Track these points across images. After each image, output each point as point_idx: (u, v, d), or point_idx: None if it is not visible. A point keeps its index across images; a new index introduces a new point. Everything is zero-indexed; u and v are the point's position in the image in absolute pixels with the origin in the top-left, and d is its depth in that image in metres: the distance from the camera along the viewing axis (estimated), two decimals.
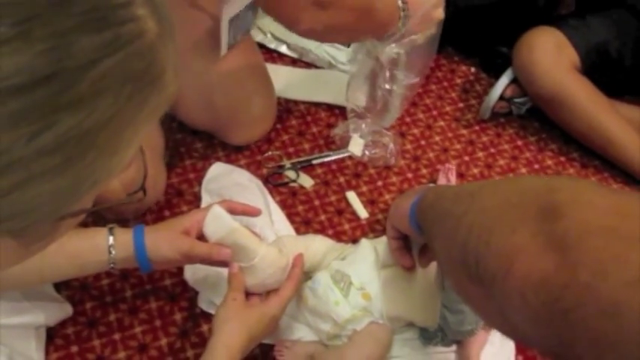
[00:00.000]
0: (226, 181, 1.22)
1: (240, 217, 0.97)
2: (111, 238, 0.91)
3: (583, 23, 1.31)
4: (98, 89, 0.34)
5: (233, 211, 0.95)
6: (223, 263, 0.94)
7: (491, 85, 1.44)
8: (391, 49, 1.19)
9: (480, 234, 0.50)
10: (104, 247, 0.91)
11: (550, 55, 1.25)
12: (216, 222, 0.92)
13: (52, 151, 0.34)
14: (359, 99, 1.35)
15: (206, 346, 0.85)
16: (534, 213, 0.46)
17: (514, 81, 1.33)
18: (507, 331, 0.52)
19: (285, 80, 1.40)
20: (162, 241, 0.92)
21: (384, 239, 0.99)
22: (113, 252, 0.91)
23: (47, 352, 1.00)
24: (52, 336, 1.03)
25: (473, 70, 1.51)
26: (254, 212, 0.99)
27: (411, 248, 0.94)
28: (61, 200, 0.37)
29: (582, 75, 1.28)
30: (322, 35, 1.11)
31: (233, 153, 1.29)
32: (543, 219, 0.45)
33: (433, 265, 0.98)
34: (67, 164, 0.35)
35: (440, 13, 1.14)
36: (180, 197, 1.22)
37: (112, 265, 0.92)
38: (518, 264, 0.45)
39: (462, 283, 0.55)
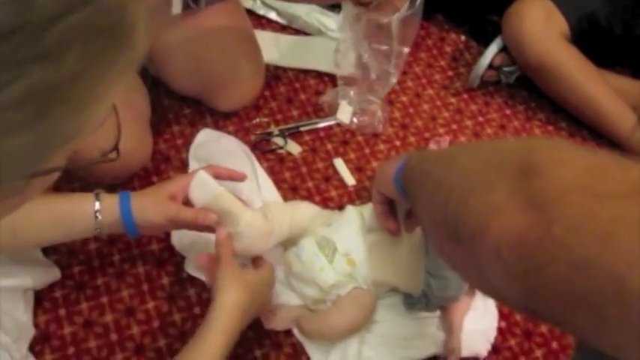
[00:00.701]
0: (214, 147, 1.22)
1: (227, 183, 0.98)
2: (97, 204, 0.91)
3: None
4: (65, 43, 0.34)
5: (218, 176, 0.95)
6: (209, 228, 0.95)
7: (481, 53, 1.43)
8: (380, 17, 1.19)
9: (459, 194, 0.51)
10: (90, 212, 0.91)
11: (539, 24, 1.25)
12: (202, 187, 0.92)
13: (20, 104, 0.34)
14: (348, 66, 1.34)
15: (208, 310, 0.85)
16: (513, 172, 0.46)
17: (503, 49, 1.33)
18: (485, 289, 0.53)
19: (273, 47, 1.40)
20: (149, 206, 0.92)
21: (370, 205, 1.00)
22: (99, 217, 0.91)
23: (35, 315, 1.02)
24: (41, 299, 1.04)
25: (463, 38, 1.50)
26: (239, 177, 0.99)
27: (396, 213, 0.95)
28: (31, 156, 0.37)
29: (572, 44, 1.28)
30: None
31: (221, 119, 1.29)
32: (521, 178, 0.45)
33: (418, 232, 0.99)
34: (35, 118, 0.35)
35: None
36: (167, 163, 1.22)
37: (98, 230, 0.92)
38: (495, 222, 0.45)
39: (442, 243, 0.56)
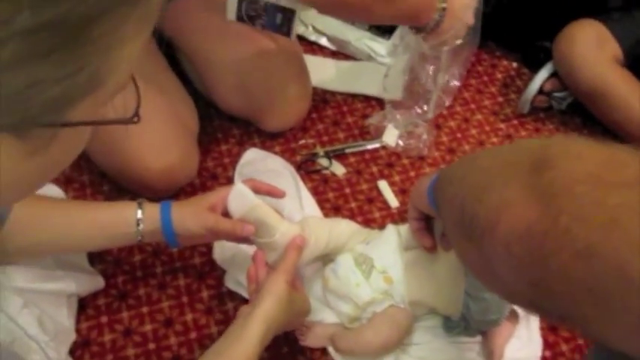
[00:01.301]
0: (260, 166, 1.24)
1: (269, 200, 0.99)
2: (139, 212, 0.94)
3: (628, 16, 1.27)
4: None
5: (258, 190, 0.97)
6: (247, 240, 0.96)
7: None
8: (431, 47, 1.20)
9: (475, 192, 0.50)
10: (133, 220, 0.94)
11: (591, 48, 1.23)
12: (239, 199, 0.94)
13: (49, 28, 0.35)
14: (396, 90, 1.36)
15: (243, 312, 0.85)
16: (527, 168, 0.46)
17: (554, 75, 1.31)
18: (496, 288, 0.51)
19: (323, 71, 1.42)
20: (188, 215, 0.94)
21: (408, 224, 0.99)
22: (141, 225, 0.94)
23: (78, 321, 1.04)
24: (85, 306, 1.07)
25: (514, 65, 1.48)
26: (278, 194, 1.00)
27: (432, 230, 0.93)
28: (58, 94, 0.38)
29: (625, 69, 1.25)
30: (335, 9, 1.09)
31: (268, 140, 1.31)
32: (534, 172, 0.44)
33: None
34: (64, 46, 0.36)
35: (470, 18, 1.14)
36: (214, 180, 1.25)
37: (139, 238, 0.95)
38: (506, 216, 0.44)
39: (460, 244, 0.55)
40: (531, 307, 0.46)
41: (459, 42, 1.17)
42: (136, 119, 0.49)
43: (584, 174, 0.41)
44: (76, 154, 0.49)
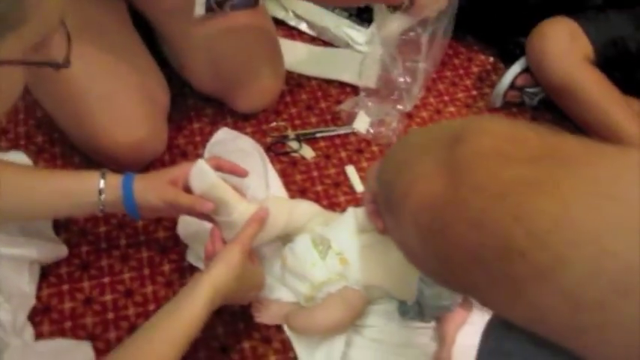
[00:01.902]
0: (230, 145, 1.25)
1: (234, 178, 1.00)
2: (102, 182, 0.95)
3: (603, 16, 1.28)
4: None
5: (221, 168, 0.98)
6: (207, 217, 0.97)
7: None
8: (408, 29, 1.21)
9: (398, 166, 0.52)
10: (95, 189, 0.95)
11: (562, 44, 1.24)
12: (200, 175, 0.95)
13: None
14: (372, 78, 1.37)
15: (195, 276, 0.87)
16: (443, 144, 0.47)
17: (527, 70, 1.32)
18: (417, 264, 0.53)
19: (300, 55, 1.43)
20: (150, 188, 0.96)
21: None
22: (103, 195, 0.95)
23: (40, 288, 1.06)
24: (47, 274, 1.08)
25: (491, 59, 1.50)
26: (241, 172, 1.01)
27: None
28: None
29: (596, 68, 1.26)
30: None
31: (240, 121, 1.32)
32: (447, 148, 0.46)
33: None
34: None
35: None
36: (184, 157, 1.26)
37: (101, 208, 0.96)
38: (416, 188, 0.46)
39: (387, 220, 0.57)
40: (438, 277, 0.48)
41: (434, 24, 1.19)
42: (67, 65, 0.50)
43: (488, 148, 0.43)
44: (8, 100, 0.50)
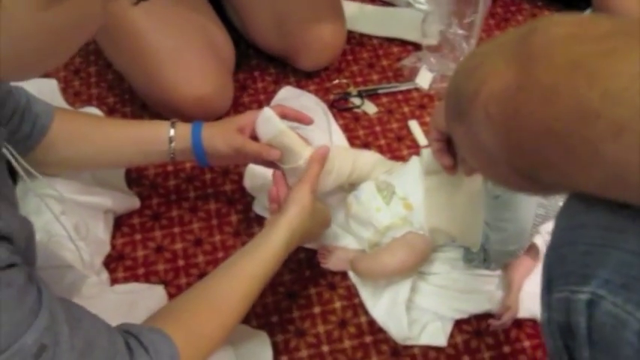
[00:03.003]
0: (293, 103, 1.27)
1: (300, 131, 1.01)
2: (172, 130, 0.99)
3: None
4: None
5: (286, 115, 0.99)
6: (274, 165, 0.99)
7: None
8: None
9: (467, 72, 0.52)
10: (165, 137, 0.98)
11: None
12: (266, 123, 0.96)
13: None
14: (433, 35, 1.36)
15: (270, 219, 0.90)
16: (514, 42, 0.47)
17: None
18: (483, 164, 0.53)
19: (361, 16, 1.44)
20: (218, 136, 0.98)
21: (429, 150, 0.99)
22: (173, 143, 0.98)
23: (114, 237, 1.11)
24: (120, 224, 1.13)
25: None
26: (306, 120, 1.02)
27: (454, 154, 0.94)
28: None
29: None
30: None
31: (303, 79, 1.34)
32: (518, 43, 0.46)
33: (478, 182, 0.98)
34: None
35: None
36: None
37: (172, 156, 0.99)
38: (488, 84, 0.46)
39: (455, 130, 0.57)
40: (511, 172, 0.48)
41: None
42: None
43: (561, 34, 0.43)
44: (88, 28, 0.52)
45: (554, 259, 0.47)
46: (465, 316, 1.01)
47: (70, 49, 0.60)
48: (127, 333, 0.68)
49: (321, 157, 0.94)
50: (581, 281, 0.43)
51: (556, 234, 0.48)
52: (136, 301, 0.95)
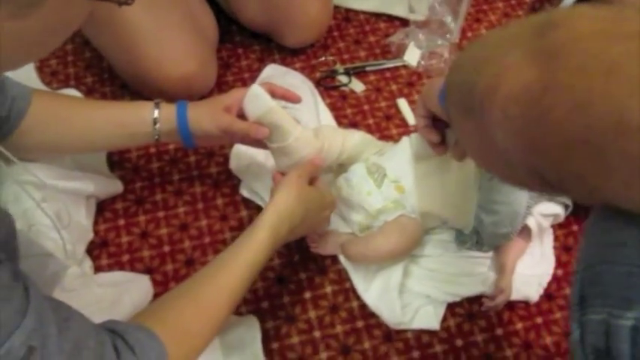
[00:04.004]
0: (279, 81, 1.21)
1: (286, 109, 0.98)
2: (156, 111, 0.95)
3: None
4: None
5: (273, 93, 0.96)
6: (261, 144, 0.96)
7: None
8: None
9: (476, 65, 0.49)
10: (150, 119, 0.95)
11: None
12: (255, 101, 0.93)
13: None
14: (422, 10, 1.33)
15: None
16: (529, 34, 0.44)
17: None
18: (497, 164, 0.51)
19: None
20: (204, 115, 0.94)
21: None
22: (158, 124, 0.95)
23: (97, 223, 1.07)
24: (103, 209, 1.09)
25: None
26: (294, 98, 0.99)
27: (442, 133, 0.91)
28: None
29: None
30: None
31: (289, 56, 1.30)
32: (536, 36, 0.43)
33: (470, 165, 0.96)
34: None
35: None
36: None
37: (156, 138, 0.96)
38: (505, 80, 0.43)
39: (462, 126, 0.54)
40: (531, 175, 0.45)
41: None
42: (130, 2, 0.49)
43: (588, 30, 0.40)
44: (70, 24, 0.49)
45: (590, 276, 0.44)
46: (457, 299, 1.00)
47: (47, 50, 0.56)
48: (113, 332, 0.65)
49: (316, 162, 0.92)
50: (624, 305, 0.40)
51: (590, 249, 0.45)
52: (120, 296, 0.92)
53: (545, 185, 0.46)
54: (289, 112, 0.99)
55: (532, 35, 0.44)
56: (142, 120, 0.95)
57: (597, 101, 0.37)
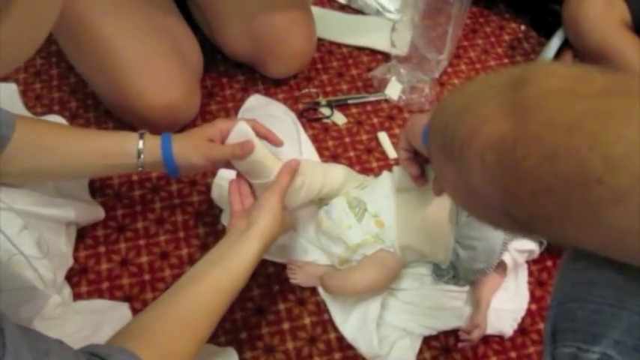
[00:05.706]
0: (262, 111, 1.25)
1: (269, 146, 1.00)
2: (140, 143, 0.96)
3: None
4: None
5: (257, 132, 0.97)
6: (243, 178, 0.97)
7: (541, 44, 1.42)
8: None
9: (457, 113, 0.52)
10: (134, 151, 0.95)
11: (599, 9, 1.22)
12: (240, 137, 0.94)
13: None
14: (403, 45, 1.36)
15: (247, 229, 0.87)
16: (506, 87, 0.47)
17: (567, 45, 1.30)
18: (474, 206, 0.53)
19: (331, 23, 1.42)
20: (189, 147, 0.95)
21: (399, 167, 0.99)
22: (142, 156, 0.96)
23: (77, 250, 1.07)
24: (83, 236, 1.09)
25: (523, 27, 1.48)
26: (276, 141, 1.00)
27: (423, 168, 0.94)
28: None
29: (633, 33, 1.24)
30: None
31: (272, 87, 1.32)
32: (511, 90, 0.46)
33: (448, 200, 0.98)
34: None
35: None
36: None
37: (140, 169, 0.97)
38: (482, 129, 0.46)
39: (442, 168, 0.56)
40: (504, 217, 0.48)
41: None
42: None
43: (556, 87, 0.43)
44: (44, 23, 0.49)
45: (562, 312, 0.47)
46: (433, 332, 1.02)
47: (28, 54, 0.56)
48: (95, 356, 0.66)
49: (291, 170, 0.94)
50: (591, 340, 0.43)
51: (563, 287, 0.48)
52: (100, 323, 0.92)
53: (517, 227, 0.48)
54: (272, 148, 1.01)
55: (508, 88, 0.47)
56: (126, 151, 0.96)
57: (562, 153, 0.40)
